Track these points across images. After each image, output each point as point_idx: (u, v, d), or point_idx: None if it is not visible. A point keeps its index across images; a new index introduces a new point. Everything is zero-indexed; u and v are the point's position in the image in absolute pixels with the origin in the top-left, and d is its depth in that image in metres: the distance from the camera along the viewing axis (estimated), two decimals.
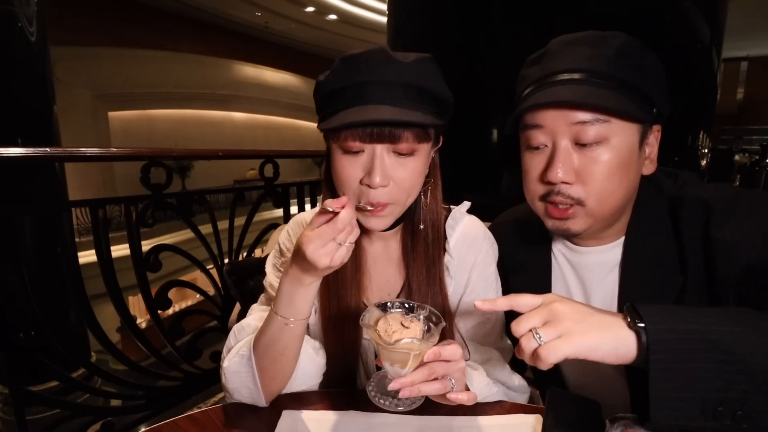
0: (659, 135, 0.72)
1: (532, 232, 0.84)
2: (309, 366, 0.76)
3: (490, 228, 0.92)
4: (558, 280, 0.84)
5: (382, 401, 0.62)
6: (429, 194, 0.77)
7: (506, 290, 0.88)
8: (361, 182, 0.68)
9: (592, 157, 0.66)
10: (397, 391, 0.58)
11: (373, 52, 0.66)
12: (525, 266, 0.87)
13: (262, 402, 0.73)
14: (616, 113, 0.64)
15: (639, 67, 0.66)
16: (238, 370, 0.72)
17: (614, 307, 0.76)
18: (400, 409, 0.62)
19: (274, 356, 0.69)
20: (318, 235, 0.59)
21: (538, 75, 0.70)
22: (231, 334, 0.78)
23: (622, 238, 0.76)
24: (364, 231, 0.79)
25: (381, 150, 0.67)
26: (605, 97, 0.63)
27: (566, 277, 0.83)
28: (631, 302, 0.52)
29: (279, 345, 0.68)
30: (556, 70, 0.68)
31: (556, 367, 0.87)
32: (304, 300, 0.66)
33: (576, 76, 0.66)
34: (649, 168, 0.72)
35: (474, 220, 0.85)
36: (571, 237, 0.77)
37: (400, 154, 0.68)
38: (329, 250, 0.59)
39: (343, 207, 0.59)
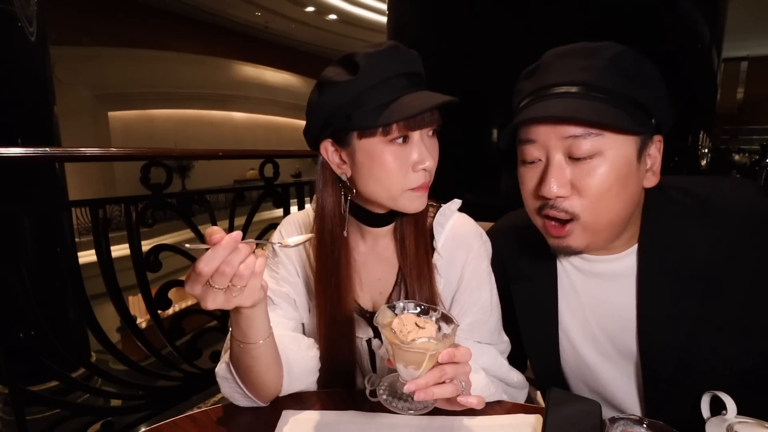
0: (662, 146, 0.70)
1: (534, 240, 0.80)
2: (303, 363, 0.76)
3: (490, 232, 0.91)
4: (566, 289, 0.82)
5: (394, 404, 0.61)
6: None
7: (509, 300, 0.86)
8: (413, 169, 0.72)
9: (586, 170, 0.65)
10: (408, 395, 0.58)
11: (398, 46, 0.70)
12: (529, 275, 0.84)
13: (260, 403, 0.73)
14: (607, 127, 0.63)
15: (634, 77, 0.64)
16: (225, 377, 0.72)
17: (633, 315, 0.74)
18: (411, 412, 0.60)
19: (244, 371, 0.69)
20: (189, 274, 0.54)
21: (532, 88, 0.69)
22: (229, 334, 0.78)
23: (634, 246, 0.74)
24: (353, 231, 0.80)
25: (422, 134, 0.72)
26: (596, 111, 0.62)
27: (575, 286, 0.81)
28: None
29: (242, 363, 0.68)
30: (549, 83, 0.67)
31: (558, 368, 0.87)
32: (245, 325, 0.63)
33: (568, 89, 0.65)
34: (651, 180, 0.70)
35: (464, 218, 0.85)
36: (573, 254, 0.75)
37: (429, 136, 0.74)
38: (201, 293, 0.55)
39: (214, 243, 0.52)
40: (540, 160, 0.69)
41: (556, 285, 0.83)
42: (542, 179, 0.68)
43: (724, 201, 0.70)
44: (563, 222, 0.69)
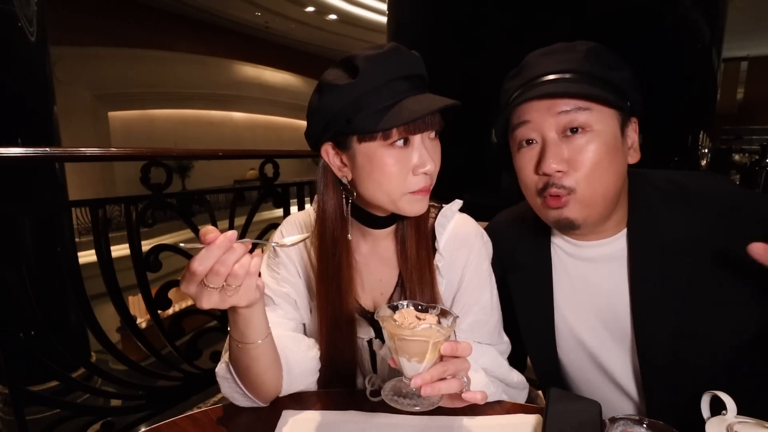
0: (637, 127, 0.77)
1: (529, 230, 0.85)
2: (303, 364, 0.76)
3: (486, 229, 0.92)
4: (560, 275, 0.85)
5: (399, 402, 0.61)
6: None
7: (506, 290, 0.88)
8: (413, 172, 0.71)
9: (579, 146, 0.71)
10: (413, 392, 0.58)
11: (399, 48, 0.70)
12: (524, 264, 0.87)
13: (260, 404, 0.73)
14: (594, 99, 0.70)
15: (609, 64, 0.72)
16: (225, 377, 0.72)
17: (626, 298, 0.77)
18: (417, 408, 0.60)
19: (243, 371, 0.69)
20: (184, 273, 0.54)
21: (520, 83, 0.76)
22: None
23: (624, 230, 0.78)
24: (354, 232, 0.80)
25: (422, 138, 0.71)
26: (583, 88, 0.70)
27: (569, 271, 0.84)
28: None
29: (241, 363, 0.68)
30: (537, 75, 0.73)
31: (560, 368, 0.87)
32: (243, 324, 0.63)
33: (554, 77, 0.72)
34: (634, 157, 0.77)
35: (465, 218, 0.85)
36: (572, 229, 0.78)
37: (430, 138, 0.73)
38: (196, 293, 0.55)
39: (209, 243, 0.52)
40: (535, 141, 0.74)
41: (551, 271, 0.85)
42: (540, 158, 0.73)
43: (703, 188, 0.75)
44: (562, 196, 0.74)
